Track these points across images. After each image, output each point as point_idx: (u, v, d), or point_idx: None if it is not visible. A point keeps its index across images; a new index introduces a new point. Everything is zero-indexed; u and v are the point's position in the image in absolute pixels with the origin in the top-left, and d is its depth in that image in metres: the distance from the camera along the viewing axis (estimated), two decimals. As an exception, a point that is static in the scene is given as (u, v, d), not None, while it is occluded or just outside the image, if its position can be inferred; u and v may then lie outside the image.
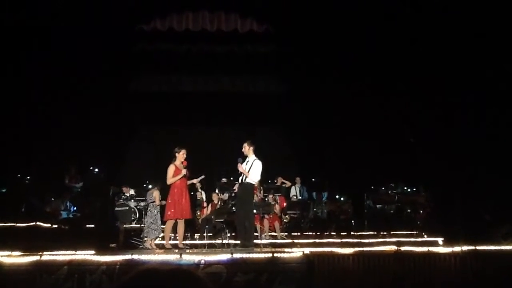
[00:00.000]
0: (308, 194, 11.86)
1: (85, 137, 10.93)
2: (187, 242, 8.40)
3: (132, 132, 12.96)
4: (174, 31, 12.38)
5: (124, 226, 9.14)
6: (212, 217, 9.04)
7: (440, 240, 8.56)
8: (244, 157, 7.68)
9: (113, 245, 7.84)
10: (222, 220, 8.83)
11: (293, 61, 12.39)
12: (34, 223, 8.44)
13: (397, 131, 11.25)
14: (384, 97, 11.11)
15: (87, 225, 8.96)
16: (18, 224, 8.30)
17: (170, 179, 7.50)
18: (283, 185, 11.40)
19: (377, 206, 11.40)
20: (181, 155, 7.64)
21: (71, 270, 5.74)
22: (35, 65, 10.47)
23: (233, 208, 8.45)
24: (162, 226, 7.87)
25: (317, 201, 11.48)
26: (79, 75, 10.77)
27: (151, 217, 7.81)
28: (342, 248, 6.46)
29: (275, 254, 6.02)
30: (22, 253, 6.00)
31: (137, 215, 10.09)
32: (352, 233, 9.94)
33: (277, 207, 10.32)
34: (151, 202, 7.95)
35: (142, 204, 9.23)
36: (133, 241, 8.38)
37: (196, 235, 9.41)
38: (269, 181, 11.11)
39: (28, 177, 10.54)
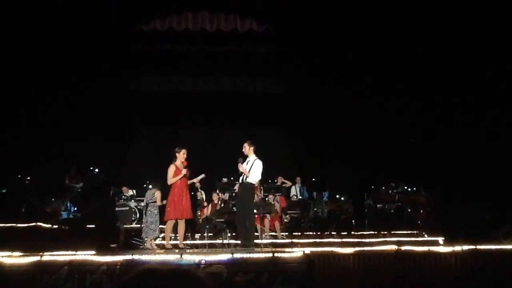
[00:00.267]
0: (308, 193, 11.83)
1: (85, 137, 10.93)
2: (188, 242, 8.40)
3: (132, 132, 12.95)
4: (173, 31, 12.40)
5: (125, 226, 9.14)
6: (213, 217, 9.04)
7: (440, 239, 8.55)
8: (244, 157, 7.68)
9: (113, 245, 7.81)
10: (222, 220, 8.83)
11: (293, 61, 12.40)
12: (34, 224, 8.42)
13: (397, 131, 11.25)
14: (384, 97, 11.12)
15: (88, 226, 8.93)
16: (18, 225, 8.28)
17: (170, 179, 7.48)
18: (284, 185, 11.38)
19: (378, 205, 11.38)
20: (181, 155, 7.62)
21: (72, 270, 5.75)
22: (35, 65, 10.48)
23: (234, 208, 8.45)
24: (162, 226, 7.87)
25: (317, 201, 11.46)
26: (79, 75, 10.79)
27: (152, 217, 7.80)
28: (343, 248, 6.48)
29: (276, 254, 6.02)
30: (22, 254, 6.00)
31: (138, 215, 10.09)
32: (352, 232, 9.96)
33: (277, 206, 10.32)
34: (152, 202, 7.94)
35: (142, 204, 9.22)
36: (133, 241, 8.36)
37: (197, 235, 9.42)
38: (270, 181, 11.08)
39: (28, 178, 10.50)
